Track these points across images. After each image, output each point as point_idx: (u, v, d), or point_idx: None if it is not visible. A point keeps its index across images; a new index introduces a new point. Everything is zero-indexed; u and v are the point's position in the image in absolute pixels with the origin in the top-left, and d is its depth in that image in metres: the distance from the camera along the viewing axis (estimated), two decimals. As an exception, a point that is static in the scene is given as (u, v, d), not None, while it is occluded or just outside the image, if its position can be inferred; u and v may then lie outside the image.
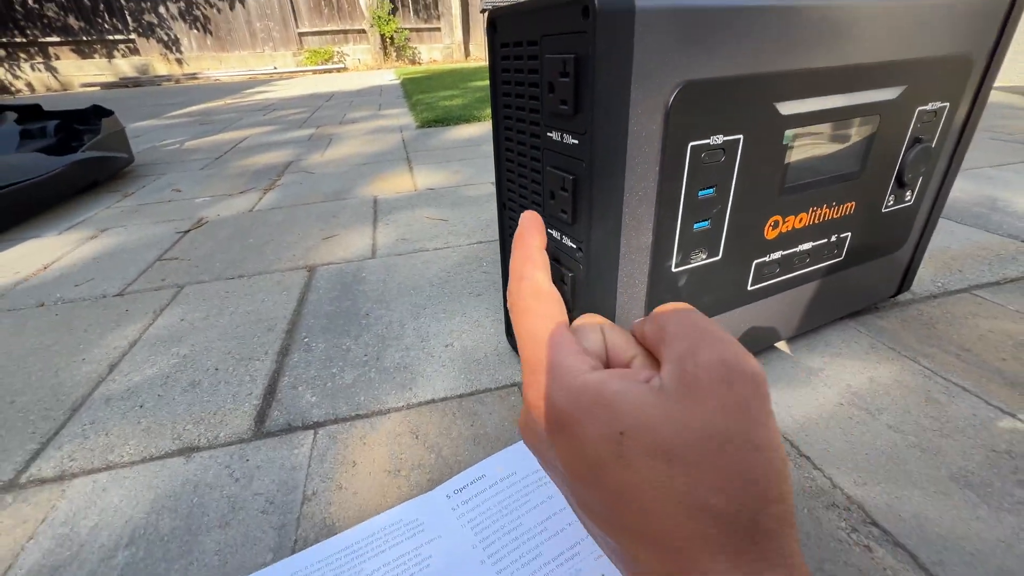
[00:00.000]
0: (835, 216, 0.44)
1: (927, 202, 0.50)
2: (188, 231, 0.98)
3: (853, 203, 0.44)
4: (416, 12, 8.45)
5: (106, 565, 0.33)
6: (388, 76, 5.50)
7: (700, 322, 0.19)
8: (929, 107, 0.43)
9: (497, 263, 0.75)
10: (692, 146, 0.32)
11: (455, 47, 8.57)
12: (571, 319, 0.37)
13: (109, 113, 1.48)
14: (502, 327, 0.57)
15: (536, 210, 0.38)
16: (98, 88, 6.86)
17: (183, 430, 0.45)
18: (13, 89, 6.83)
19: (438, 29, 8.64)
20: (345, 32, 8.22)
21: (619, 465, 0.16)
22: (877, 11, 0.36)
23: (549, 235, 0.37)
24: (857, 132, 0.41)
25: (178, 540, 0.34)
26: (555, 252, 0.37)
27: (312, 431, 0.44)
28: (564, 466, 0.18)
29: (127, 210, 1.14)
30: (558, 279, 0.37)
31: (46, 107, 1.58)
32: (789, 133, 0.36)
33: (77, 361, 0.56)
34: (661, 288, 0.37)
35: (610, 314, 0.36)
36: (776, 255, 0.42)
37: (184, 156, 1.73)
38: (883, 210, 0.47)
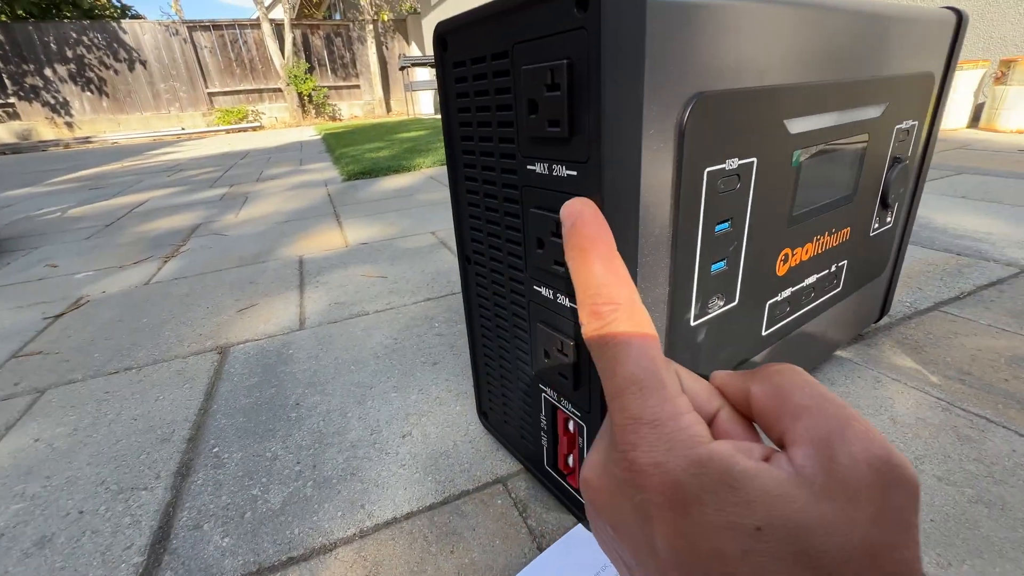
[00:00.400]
0: (834, 244, 0.40)
1: (901, 222, 0.49)
2: (60, 315, 0.79)
3: (848, 228, 0.41)
4: (334, 71, 8.47)
5: None
6: (308, 132, 5.37)
7: (833, 398, 0.16)
8: (904, 125, 0.41)
9: (452, 322, 0.65)
10: (708, 172, 0.26)
11: (376, 103, 8.63)
12: (574, 398, 0.29)
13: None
14: (471, 402, 0.48)
15: (517, 266, 0.31)
16: (-34, 157, 6.07)
17: (15, 628, 0.30)
18: None
19: (357, 86, 8.69)
20: (260, 91, 8.03)
21: (747, 564, 0.13)
22: (864, 24, 0.33)
23: (538, 293, 0.29)
24: (850, 153, 0.37)
25: None
26: (545, 315, 0.29)
27: (223, 596, 0.31)
28: (667, 549, 0.15)
29: (-21, 295, 0.92)
30: (554, 348, 0.29)
31: None
32: (797, 153, 0.32)
33: None
34: (679, 347, 0.30)
35: (626, 389, 0.28)
36: (787, 292, 0.37)
37: (66, 225, 1.49)
38: (870, 234, 0.44)
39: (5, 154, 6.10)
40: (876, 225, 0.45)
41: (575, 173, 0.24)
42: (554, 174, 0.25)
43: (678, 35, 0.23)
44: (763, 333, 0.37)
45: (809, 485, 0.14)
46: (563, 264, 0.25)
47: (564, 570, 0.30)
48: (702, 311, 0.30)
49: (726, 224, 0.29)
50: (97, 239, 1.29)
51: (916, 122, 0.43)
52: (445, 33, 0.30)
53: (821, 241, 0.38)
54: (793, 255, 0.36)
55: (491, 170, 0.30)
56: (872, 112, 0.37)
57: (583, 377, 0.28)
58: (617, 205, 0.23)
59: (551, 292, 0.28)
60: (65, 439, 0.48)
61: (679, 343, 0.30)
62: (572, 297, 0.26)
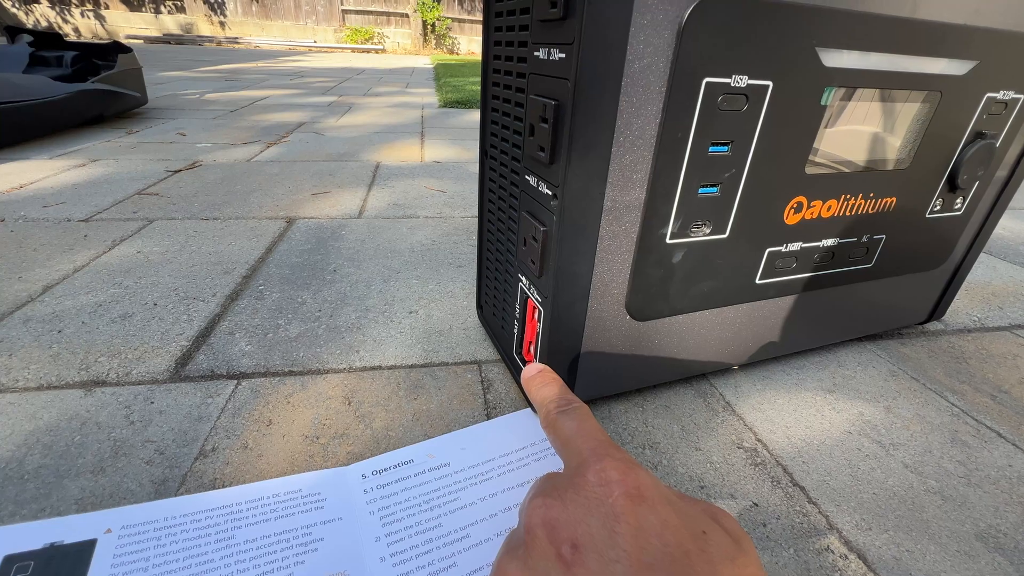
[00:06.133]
0: (870, 211, 0.37)
1: (979, 215, 0.43)
2: (178, 171, 0.93)
3: (894, 199, 0.37)
4: (460, 2, 8.43)
5: (-55, 498, 0.28)
6: (424, 61, 5.48)
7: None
8: (1000, 95, 0.36)
9: (488, 238, 0.68)
10: (708, 83, 0.26)
11: (495, 42, 8.50)
12: (538, 284, 0.31)
13: (128, 50, 1.45)
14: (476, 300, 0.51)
15: (517, 157, 0.33)
16: (141, 41, 6.95)
17: (94, 361, 0.40)
18: (60, 32, 6.96)
19: (480, 21, 8.61)
20: (388, 14, 8.24)
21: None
22: (957, -44, 0.29)
23: (526, 181, 0.31)
24: (910, 110, 0.34)
25: (39, 481, 0.29)
26: (530, 204, 0.31)
27: (235, 381, 0.38)
28: (630, 537, 0.17)
29: (125, 146, 1.11)
30: (530, 236, 0.31)
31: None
32: (830, 91, 0.30)
33: (12, 279, 0.52)
34: (650, 261, 0.31)
35: (584, 283, 0.30)
36: (794, 246, 0.36)
37: (200, 106, 1.70)
38: (927, 215, 0.40)
39: (170, 43, 6.91)
40: (937, 208, 0.40)
41: (564, 56, 0.25)
42: (551, 58, 0.26)
43: (690, -77, 0.22)
44: (757, 281, 0.36)
45: None
46: (544, 150, 0.27)
47: (502, 438, 0.34)
48: (681, 231, 0.31)
49: (724, 147, 0.29)
50: (221, 120, 1.46)
51: (1021, 96, 0.37)
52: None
53: (851, 203, 0.36)
54: (810, 207, 0.34)
55: (511, 60, 0.31)
56: (951, 67, 0.33)
57: (547, 265, 0.30)
58: (593, 85, 0.24)
59: (536, 180, 0.30)
60: (158, 256, 0.59)
61: (650, 257, 0.31)
62: (550, 184, 0.28)
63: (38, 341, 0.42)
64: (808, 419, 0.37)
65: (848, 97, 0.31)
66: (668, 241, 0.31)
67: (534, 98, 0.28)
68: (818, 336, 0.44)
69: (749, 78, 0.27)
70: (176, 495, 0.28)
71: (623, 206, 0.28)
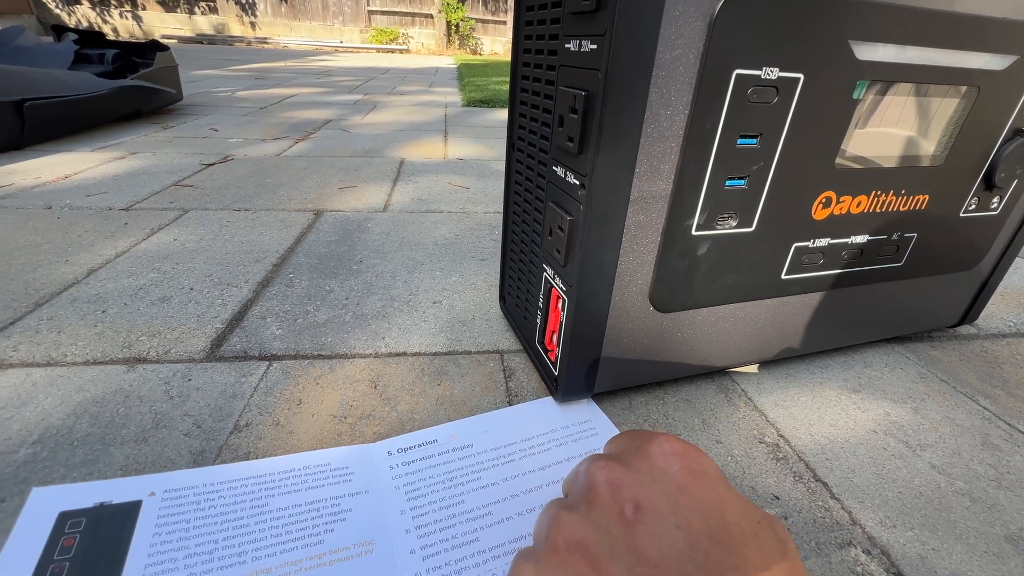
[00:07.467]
0: (901, 208, 0.37)
1: (1016, 215, 0.42)
2: (211, 164, 0.97)
3: (927, 196, 0.37)
4: (484, 3, 8.48)
5: (2, 460, 0.30)
6: (447, 61, 5.53)
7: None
8: (1041, 92, 0.35)
9: (510, 233, 0.69)
10: (738, 75, 0.26)
11: (518, 42, 8.52)
12: (563, 273, 0.32)
13: (165, 48, 1.51)
14: (499, 292, 0.52)
15: (545, 148, 0.33)
16: (175, 41, 7.18)
17: (135, 340, 0.42)
18: (99, 31, 7.22)
19: (504, 22, 8.64)
20: (413, 15, 8.33)
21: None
22: (998, -52, 0.29)
23: (554, 172, 0.32)
24: (946, 105, 0.33)
25: (87, 448, 0.31)
26: (557, 195, 0.32)
27: (266, 363, 0.40)
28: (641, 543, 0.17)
29: (162, 140, 1.15)
30: (556, 226, 0.32)
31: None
32: (862, 85, 0.30)
33: (59, 262, 0.55)
34: (675, 252, 0.31)
35: (609, 273, 0.31)
36: (822, 242, 0.35)
37: (232, 103, 1.75)
38: (960, 214, 0.39)
39: (202, 43, 7.11)
40: (972, 207, 0.40)
41: (595, 47, 0.25)
42: (582, 49, 0.27)
43: (725, -85, 0.23)
44: (783, 276, 0.36)
45: None
46: (573, 140, 0.28)
47: (524, 423, 0.34)
48: (707, 223, 0.31)
49: (752, 140, 0.29)
50: (251, 117, 1.50)
51: (1063, 93, 0.36)
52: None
53: (882, 199, 0.35)
54: (839, 202, 0.34)
55: (540, 52, 0.32)
56: (990, 62, 0.32)
57: (573, 255, 0.31)
58: (624, 78, 0.25)
59: (563, 171, 0.30)
60: (193, 243, 0.61)
61: (675, 249, 0.31)
62: (578, 175, 0.29)
63: (84, 320, 0.44)
64: (832, 417, 0.37)
65: (881, 91, 0.31)
66: (694, 233, 0.31)
67: (564, 89, 0.29)
68: (844, 336, 0.43)
69: (780, 70, 0.27)
70: (213, 465, 0.30)
71: (650, 196, 0.29)
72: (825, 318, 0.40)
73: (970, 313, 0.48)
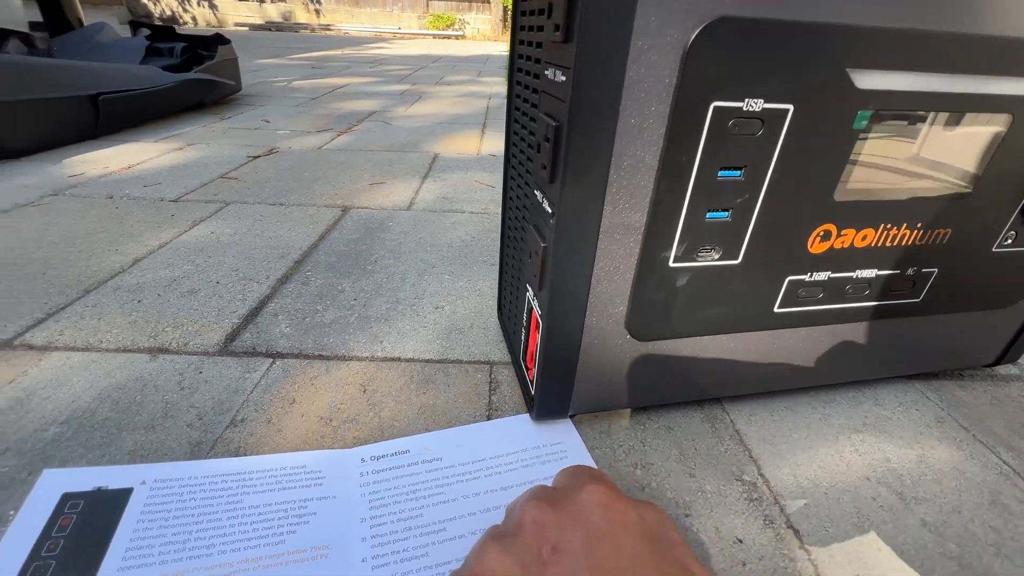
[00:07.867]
0: (917, 242, 0.34)
1: (1066, 252, 0.38)
2: (257, 156, 1.02)
3: (948, 231, 0.34)
4: (543, -13, 8.33)
5: (35, 436, 0.34)
6: (500, 48, 5.50)
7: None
8: (1096, 119, 0.31)
9: (526, 237, 0.69)
10: (716, 107, 0.25)
11: (574, 27, 8.34)
12: (539, 297, 0.32)
13: (227, 42, 1.60)
14: (496, 302, 0.53)
15: (530, 169, 0.33)
16: (247, 28, 7.57)
17: (161, 331, 0.46)
18: (181, 21, 7.73)
19: (561, 7, 8.46)
20: (470, 0, 8.33)
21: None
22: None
23: (535, 196, 0.32)
24: (974, 132, 0.30)
25: (104, 431, 0.35)
26: (536, 219, 0.32)
27: (271, 360, 0.43)
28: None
29: (217, 131, 1.23)
30: (533, 250, 0.32)
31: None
32: (865, 115, 0.28)
33: (111, 251, 0.60)
34: (651, 283, 0.31)
35: (580, 301, 0.30)
36: (821, 276, 0.33)
37: (286, 93, 1.83)
38: (994, 249, 0.36)
39: (270, 30, 7.44)
40: (1009, 242, 0.36)
41: (564, 79, 0.25)
42: (556, 79, 0.27)
43: (695, -53, 0.22)
44: (775, 310, 0.34)
45: None
46: (546, 166, 0.28)
47: (496, 440, 0.35)
48: (686, 255, 0.30)
49: (736, 172, 0.28)
50: (302, 108, 1.57)
51: (1126, 119, 0.32)
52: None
53: (893, 232, 0.33)
54: (840, 236, 0.32)
55: (528, 74, 0.32)
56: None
57: (546, 280, 0.31)
58: (589, 108, 0.24)
59: (541, 196, 0.30)
60: (227, 237, 0.65)
61: (651, 279, 0.30)
62: (550, 202, 0.29)
63: (122, 308, 0.49)
64: (823, 458, 0.35)
65: (891, 120, 0.28)
66: (671, 264, 0.30)
67: (542, 116, 0.28)
68: (852, 370, 0.41)
69: (765, 101, 0.26)
70: (205, 458, 0.33)
71: (622, 227, 0.28)
72: (829, 352, 0.38)
73: (1010, 352, 0.44)
